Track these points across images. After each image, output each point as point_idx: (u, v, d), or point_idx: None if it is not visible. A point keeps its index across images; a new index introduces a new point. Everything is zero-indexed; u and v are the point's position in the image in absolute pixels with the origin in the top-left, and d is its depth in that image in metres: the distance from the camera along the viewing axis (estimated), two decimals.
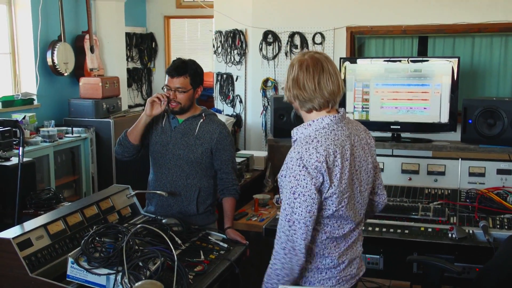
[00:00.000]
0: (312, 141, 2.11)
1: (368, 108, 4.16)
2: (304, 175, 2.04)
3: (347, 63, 4.23)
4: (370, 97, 4.14)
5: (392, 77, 4.08)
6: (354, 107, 4.20)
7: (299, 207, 2.06)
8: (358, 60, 4.31)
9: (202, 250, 2.83)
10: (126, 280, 2.16)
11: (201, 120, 3.21)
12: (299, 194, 2.06)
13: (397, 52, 5.68)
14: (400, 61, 4.12)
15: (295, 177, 2.06)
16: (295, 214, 2.08)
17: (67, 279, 2.30)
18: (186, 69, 3.11)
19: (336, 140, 2.12)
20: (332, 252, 2.22)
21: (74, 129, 5.63)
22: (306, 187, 2.04)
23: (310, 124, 2.20)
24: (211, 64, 9.85)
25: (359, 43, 5.80)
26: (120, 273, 2.22)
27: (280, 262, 2.19)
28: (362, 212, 2.32)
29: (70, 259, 2.28)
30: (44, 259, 2.40)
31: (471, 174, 3.71)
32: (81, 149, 5.70)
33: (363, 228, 2.62)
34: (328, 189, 2.07)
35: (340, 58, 4.35)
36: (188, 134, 3.16)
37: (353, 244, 2.29)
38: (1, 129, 4.40)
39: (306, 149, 2.08)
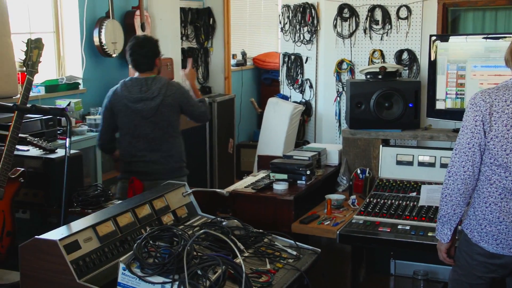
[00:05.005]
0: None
1: (463, 94, 4.06)
2: None
3: (437, 42, 4.14)
4: (466, 81, 4.04)
5: (494, 57, 3.95)
6: (447, 94, 4.11)
7: None
8: (451, 38, 4.22)
9: (268, 258, 2.85)
10: None
11: None
12: None
13: (500, 27, 5.51)
14: (504, 37, 3.98)
15: None
16: None
17: (118, 287, 2.36)
18: None
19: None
20: None
21: None
22: None
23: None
24: (276, 43, 9.90)
25: (452, 16, 5.66)
26: (177, 282, 2.26)
27: None
28: None
29: (121, 265, 2.34)
30: (93, 263, 2.48)
31: None
32: None
33: None
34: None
35: (430, 36, 4.26)
36: None
37: None
38: (45, 118, 4.55)
39: None
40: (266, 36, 10.04)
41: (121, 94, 4.09)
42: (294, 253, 2.95)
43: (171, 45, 7.14)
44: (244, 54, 9.14)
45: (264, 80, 9.32)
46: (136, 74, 4.16)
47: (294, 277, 2.75)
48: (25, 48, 3.27)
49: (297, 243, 3.06)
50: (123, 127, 4.16)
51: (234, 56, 8.80)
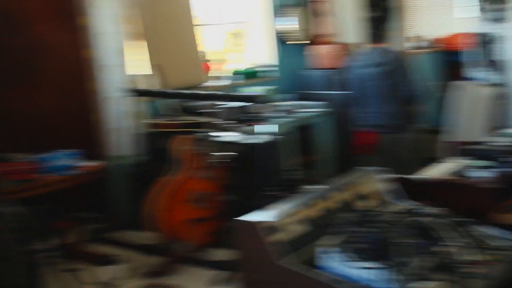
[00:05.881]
0: None
1: None
2: None
3: None
4: None
5: None
6: None
7: None
8: None
9: (478, 248, 2.70)
10: (400, 277, 2.14)
11: None
12: None
13: None
14: None
15: None
16: None
17: (318, 270, 2.36)
18: None
19: None
20: None
21: (312, 103, 5.80)
22: None
23: None
24: (456, 24, 9.42)
25: None
26: (384, 269, 2.21)
27: None
28: None
29: (323, 249, 2.35)
30: (294, 246, 2.50)
31: None
32: (319, 126, 5.85)
33: None
34: None
35: None
36: None
37: None
38: (241, 105, 4.71)
39: None
40: (447, 16, 9.61)
41: (355, 65, 5.22)
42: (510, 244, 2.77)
43: (351, 30, 7.07)
44: (422, 36, 8.89)
45: (448, 62, 8.95)
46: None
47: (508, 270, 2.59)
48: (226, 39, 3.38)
49: None
50: (357, 91, 5.16)
51: (411, 38, 8.61)
